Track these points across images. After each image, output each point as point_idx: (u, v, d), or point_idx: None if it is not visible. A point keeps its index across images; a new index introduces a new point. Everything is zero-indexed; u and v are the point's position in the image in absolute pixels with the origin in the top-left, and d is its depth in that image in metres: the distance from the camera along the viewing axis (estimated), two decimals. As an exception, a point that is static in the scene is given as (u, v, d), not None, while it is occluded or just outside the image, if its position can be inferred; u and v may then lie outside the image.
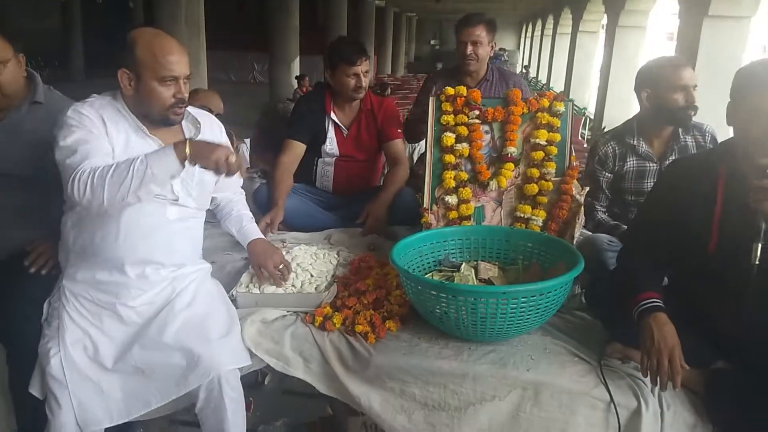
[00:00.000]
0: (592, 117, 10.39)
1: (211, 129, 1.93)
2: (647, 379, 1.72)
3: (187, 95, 1.74)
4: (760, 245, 1.46)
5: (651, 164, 2.41)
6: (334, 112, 2.79)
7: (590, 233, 2.38)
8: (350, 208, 2.77)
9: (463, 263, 2.16)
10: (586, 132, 9.74)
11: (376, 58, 18.33)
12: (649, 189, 2.35)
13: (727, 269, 1.65)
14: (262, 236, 2.10)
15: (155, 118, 1.74)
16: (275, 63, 10.62)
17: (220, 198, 2.08)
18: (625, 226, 2.37)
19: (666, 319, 1.65)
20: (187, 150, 1.57)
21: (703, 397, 1.69)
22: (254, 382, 2.77)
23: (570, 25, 13.49)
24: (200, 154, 1.59)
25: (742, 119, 1.60)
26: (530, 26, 23.04)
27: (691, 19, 6.51)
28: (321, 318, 1.93)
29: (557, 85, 14.85)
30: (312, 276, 2.14)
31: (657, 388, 1.70)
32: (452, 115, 2.38)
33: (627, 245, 1.92)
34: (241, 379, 1.84)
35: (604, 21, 10.85)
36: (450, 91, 2.40)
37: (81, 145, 1.64)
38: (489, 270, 2.12)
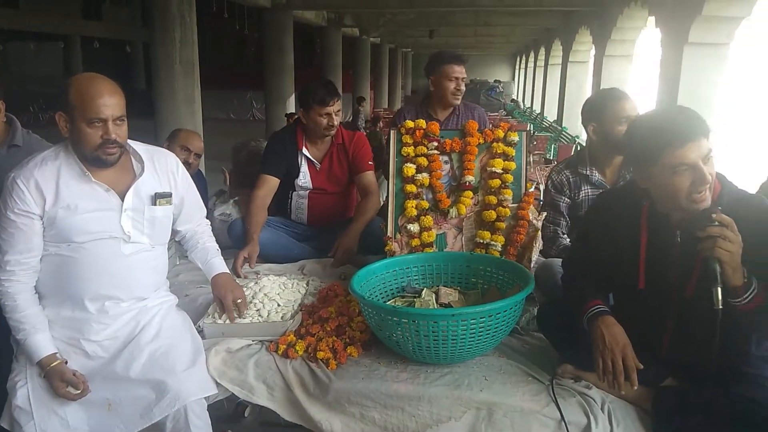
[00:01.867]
0: (583, 143, 10.51)
1: (167, 165, 2.00)
2: (597, 397, 1.77)
3: (117, 136, 1.77)
4: (719, 289, 1.46)
5: None
6: (306, 147, 2.90)
7: (546, 259, 2.45)
8: (324, 239, 2.86)
9: (425, 289, 2.23)
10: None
11: (373, 92, 18.66)
12: None
13: (659, 305, 1.71)
14: (227, 271, 2.16)
15: (89, 158, 1.81)
16: (271, 100, 10.85)
17: (184, 230, 2.15)
18: None
19: (613, 320, 1.70)
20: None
21: (651, 414, 1.74)
22: (234, 414, 2.81)
23: (560, 56, 13.76)
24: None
25: (659, 180, 1.56)
26: (523, 58, 23.45)
27: (673, 47, 6.67)
28: (284, 346, 1.99)
29: (550, 114, 15.05)
30: (279, 305, 2.21)
31: (607, 406, 1.76)
32: (412, 147, 2.48)
33: (567, 271, 1.98)
34: (220, 410, 1.89)
35: (593, 51, 11.07)
36: (410, 124, 2.51)
37: (2, 233, 1.78)
38: (449, 295, 2.19)
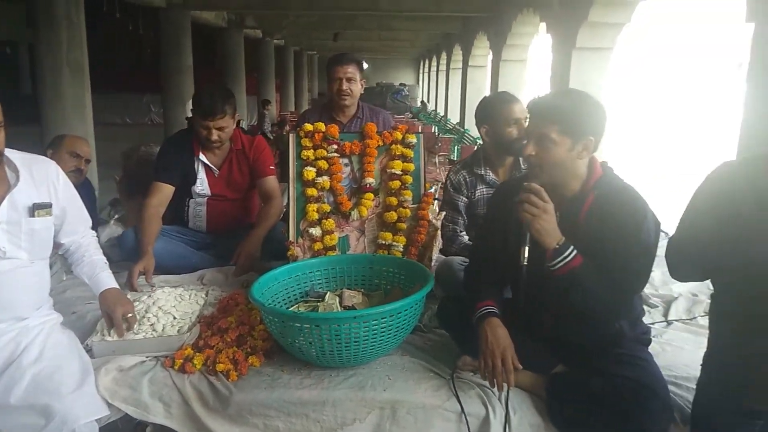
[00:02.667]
0: (485, 145, 10.88)
1: (46, 174, 1.87)
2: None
3: None
4: (526, 248, 1.67)
5: None
6: (203, 153, 2.79)
7: (445, 256, 2.51)
8: (225, 246, 2.77)
9: (328, 292, 2.21)
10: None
11: (279, 95, 18.38)
12: None
13: (540, 281, 1.79)
14: (116, 285, 2.04)
15: None
16: (169, 103, 10.39)
17: (68, 243, 2.01)
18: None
19: (498, 322, 1.78)
20: None
21: (545, 401, 1.82)
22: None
23: (461, 60, 14.17)
24: None
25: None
26: (426, 62, 23.98)
27: (562, 51, 7.04)
28: (181, 360, 1.91)
29: (453, 117, 15.46)
30: (175, 318, 2.12)
31: (504, 395, 1.82)
32: (312, 150, 2.47)
33: (468, 264, 2.05)
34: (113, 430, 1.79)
35: (491, 56, 11.49)
36: (308, 127, 2.49)
37: None
38: (353, 297, 2.19)
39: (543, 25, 8.37)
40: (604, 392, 1.68)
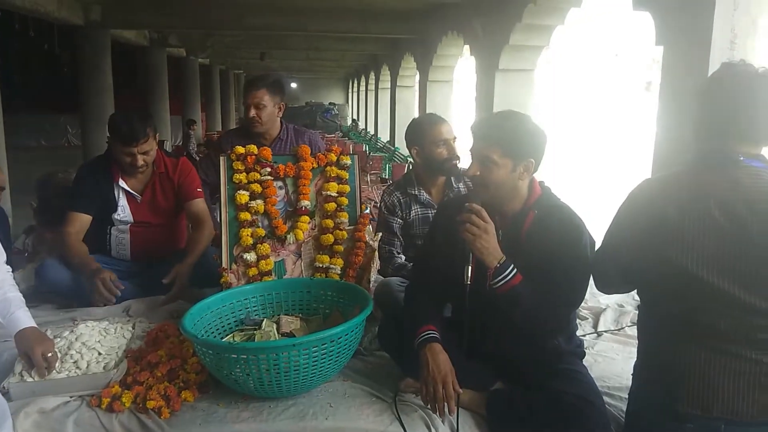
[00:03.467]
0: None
1: None
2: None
3: None
4: (470, 267, 1.70)
5: (432, 210, 2.58)
6: (123, 179, 2.65)
7: (384, 277, 2.51)
8: (151, 275, 2.64)
9: (265, 319, 2.15)
10: (412, 178, 10.30)
11: (204, 114, 17.98)
12: None
13: (484, 299, 1.82)
14: (33, 324, 1.90)
15: None
16: (88, 125, 9.91)
17: None
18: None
19: (439, 348, 1.78)
20: None
21: (485, 418, 1.83)
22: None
23: (389, 80, 14.37)
24: None
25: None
26: (355, 81, 24.18)
27: (486, 73, 7.27)
28: (108, 399, 1.80)
29: (384, 136, 15.63)
30: (100, 354, 2.00)
31: (447, 417, 1.82)
32: (244, 173, 2.41)
33: (410, 284, 2.05)
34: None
35: (418, 76, 11.72)
36: (240, 150, 2.43)
37: None
38: (291, 323, 2.14)
39: (467, 48, 8.64)
40: (545, 407, 1.71)
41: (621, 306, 2.78)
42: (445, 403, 1.71)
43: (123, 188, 2.65)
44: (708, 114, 1.49)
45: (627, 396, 1.94)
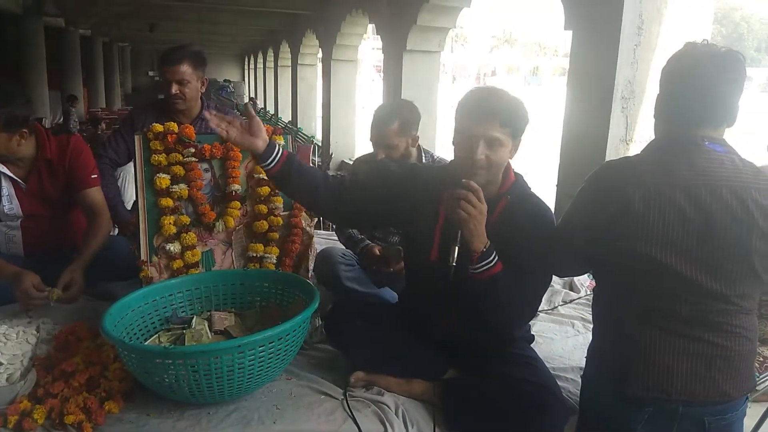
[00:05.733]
0: (320, 144, 10.84)
1: None
2: (390, 402, 1.75)
3: None
4: (456, 248, 1.57)
5: None
6: (2, 164, 2.26)
7: (328, 247, 2.40)
8: (50, 271, 2.29)
9: (195, 317, 1.95)
10: (317, 159, 10.13)
11: (87, 90, 16.58)
12: None
13: (446, 277, 1.75)
14: None
15: None
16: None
17: None
18: (368, 242, 2.43)
19: None
20: None
21: (440, 409, 1.77)
22: None
23: (290, 58, 13.96)
24: None
25: (455, 139, 1.69)
26: (252, 58, 23.30)
27: (393, 53, 7.22)
28: (16, 416, 1.54)
29: (285, 115, 15.22)
30: (2, 364, 1.72)
31: (400, 409, 1.74)
32: (164, 155, 2.15)
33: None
34: None
35: (321, 54, 11.46)
36: (158, 128, 2.17)
37: None
38: (224, 320, 1.96)
39: (372, 27, 8.54)
40: (501, 395, 1.67)
41: (551, 285, 2.82)
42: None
43: (3, 173, 2.27)
44: (669, 96, 1.47)
45: (572, 377, 1.99)
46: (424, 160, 2.48)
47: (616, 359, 1.51)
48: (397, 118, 2.35)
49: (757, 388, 2.01)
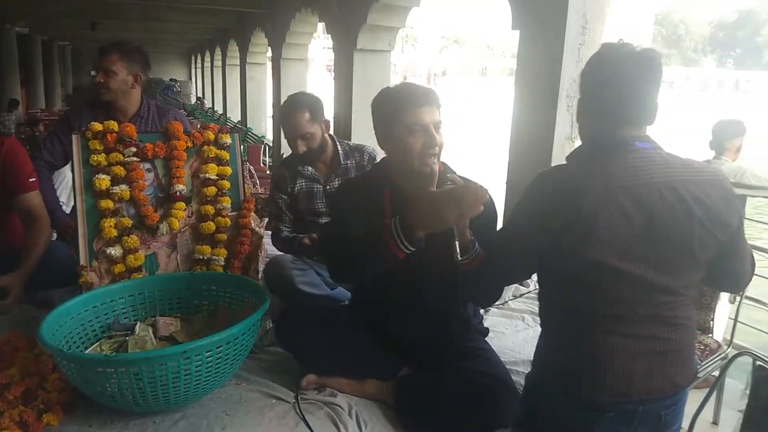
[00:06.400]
0: (271, 144, 10.70)
1: None
2: (343, 403, 1.73)
3: None
4: (458, 243, 1.53)
5: (318, 185, 2.50)
6: None
7: (278, 254, 2.37)
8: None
9: (138, 323, 1.88)
10: (267, 159, 9.98)
11: (25, 91, 15.87)
12: (321, 208, 2.46)
13: (401, 281, 1.73)
14: None
15: None
16: None
17: None
18: (302, 236, 2.40)
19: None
20: None
21: (394, 408, 1.76)
22: None
23: (238, 57, 13.72)
24: None
25: (398, 139, 1.66)
26: (200, 57, 22.80)
27: (344, 53, 7.19)
28: (-57, 435, 1.45)
29: (234, 115, 14.95)
30: (-74, 379, 1.61)
31: (354, 410, 1.72)
32: (104, 155, 2.06)
33: (328, 252, 1.88)
34: None
35: (270, 53, 11.30)
36: (98, 126, 2.08)
37: None
38: (170, 325, 1.90)
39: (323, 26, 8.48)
40: (454, 388, 1.67)
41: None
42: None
43: None
44: (592, 99, 1.46)
45: (523, 370, 2.00)
46: (340, 150, 2.51)
47: (571, 366, 1.46)
48: (306, 106, 2.37)
49: (698, 375, 2.08)
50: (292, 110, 2.36)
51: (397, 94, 1.68)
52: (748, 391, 1.91)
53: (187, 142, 2.17)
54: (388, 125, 1.69)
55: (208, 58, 20.23)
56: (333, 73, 7.73)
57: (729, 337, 2.50)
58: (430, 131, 1.63)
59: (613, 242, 1.35)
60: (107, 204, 2.04)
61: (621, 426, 1.43)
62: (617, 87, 1.40)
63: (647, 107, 1.42)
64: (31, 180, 2.29)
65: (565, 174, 1.46)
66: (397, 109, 1.65)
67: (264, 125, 13.05)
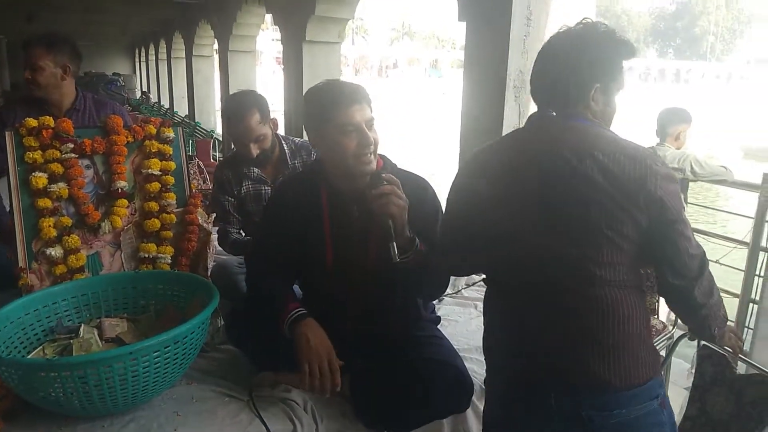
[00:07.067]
0: (221, 139, 10.50)
1: None
2: (299, 399, 1.72)
3: None
4: (394, 243, 1.54)
5: (266, 187, 2.41)
6: None
7: (222, 258, 2.30)
8: None
9: (83, 325, 1.82)
10: (217, 154, 9.79)
11: (-44, 87, 15.11)
12: None
13: (345, 278, 1.75)
14: None
15: None
16: None
17: None
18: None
19: (315, 323, 1.67)
20: None
21: (350, 400, 1.76)
22: None
23: (184, 49, 13.38)
24: None
25: (331, 140, 1.64)
26: (143, 50, 22.12)
27: (293, 45, 7.10)
28: None
29: (181, 109, 14.58)
30: None
31: (309, 405, 1.71)
32: (40, 151, 1.98)
33: (252, 272, 1.89)
34: None
35: (216, 45, 11.06)
36: (32, 122, 1.99)
37: None
38: (116, 326, 1.84)
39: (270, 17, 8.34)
40: (407, 376, 1.68)
41: (453, 269, 2.89)
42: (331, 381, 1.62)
43: None
44: (532, 79, 1.44)
45: (477, 357, 2.04)
46: (286, 148, 2.42)
47: (515, 349, 1.40)
48: (254, 106, 2.26)
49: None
50: (241, 112, 2.23)
51: (326, 93, 1.64)
52: (693, 370, 1.98)
53: (127, 137, 2.10)
54: (319, 126, 1.66)
55: (152, 51, 19.64)
56: (282, 66, 7.63)
57: (674, 318, 2.58)
58: (363, 130, 1.61)
59: (517, 212, 1.32)
60: (45, 203, 1.96)
61: (537, 419, 1.31)
62: (544, 67, 1.39)
63: (576, 86, 1.35)
64: None
65: (484, 150, 1.45)
66: (328, 110, 1.62)
67: (213, 119, 12.79)
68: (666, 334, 2.47)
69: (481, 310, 2.42)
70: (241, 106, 2.24)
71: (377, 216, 1.57)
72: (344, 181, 1.71)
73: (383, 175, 1.58)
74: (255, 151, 2.27)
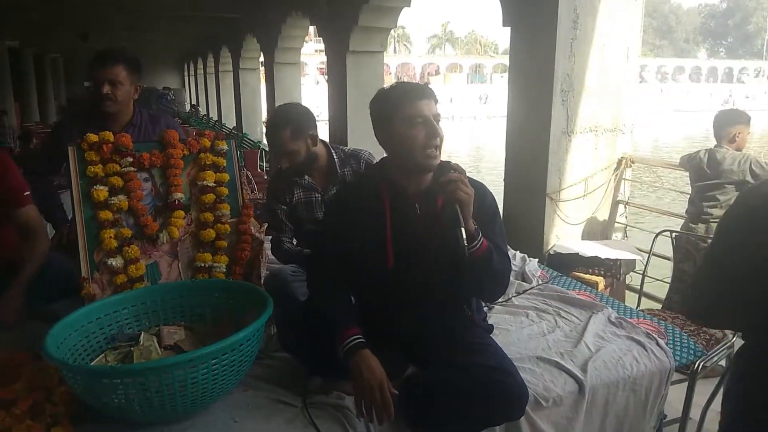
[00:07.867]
0: (267, 149, 10.70)
1: None
2: (352, 406, 1.72)
3: None
4: (462, 229, 1.58)
5: (316, 195, 2.46)
6: None
7: (275, 267, 2.34)
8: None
9: (143, 333, 1.88)
10: (264, 164, 9.98)
11: (18, 105, 15.87)
12: (320, 217, 2.44)
13: (406, 279, 1.77)
14: None
15: None
16: None
17: None
18: (308, 250, 2.39)
19: (369, 353, 1.68)
20: None
21: (401, 407, 1.75)
22: None
23: (231, 62, 13.72)
24: None
25: (398, 134, 1.69)
26: (192, 64, 22.80)
27: (337, 55, 7.19)
28: (-49, 453, 1.44)
29: (229, 121, 14.95)
30: (-69, 398, 1.60)
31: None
32: (100, 165, 2.06)
33: (312, 280, 1.91)
34: None
35: (262, 58, 11.30)
36: (93, 137, 2.08)
37: None
38: (174, 334, 1.89)
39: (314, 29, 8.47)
40: (462, 382, 1.66)
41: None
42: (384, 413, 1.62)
43: None
44: None
45: (529, 366, 2.01)
46: (335, 158, 2.46)
47: None
48: (288, 124, 2.32)
49: (705, 365, 2.08)
50: (273, 128, 2.34)
51: (394, 90, 1.72)
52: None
53: (183, 150, 2.17)
54: (387, 122, 1.71)
55: (200, 65, 20.22)
56: (326, 76, 7.72)
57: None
58: (431, 122, 1.67)
59: None
60: (106, 215, 2.03)
61: None
62: None
63: None
64: (26, 193, 2.29)
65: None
66: (395, 105, 1.68)
67: (259, 130, 13.05)
68: (726, 343, 2.38)
69: (533, 318, 2.42)
70: (273, 122, 2.36)
71: (445, 203, 1.62)
72: (408, 179, 1.75)
73: (451, 163, 1.63)
74: (284, 164, 2.36)
